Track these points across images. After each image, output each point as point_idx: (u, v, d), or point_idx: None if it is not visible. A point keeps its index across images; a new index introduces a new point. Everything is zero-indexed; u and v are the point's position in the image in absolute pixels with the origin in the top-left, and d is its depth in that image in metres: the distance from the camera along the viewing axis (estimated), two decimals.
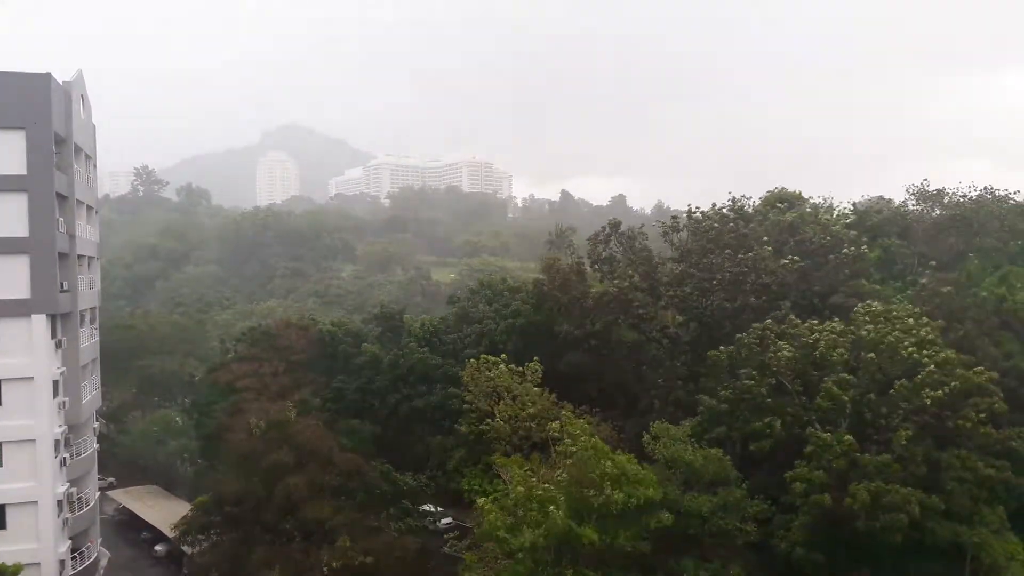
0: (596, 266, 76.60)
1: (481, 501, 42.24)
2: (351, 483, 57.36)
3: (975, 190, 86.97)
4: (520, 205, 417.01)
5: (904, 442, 48.25)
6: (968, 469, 47.94)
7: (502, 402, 56.91)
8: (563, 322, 69.58)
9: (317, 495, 54.34)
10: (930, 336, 53.68)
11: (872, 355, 52.93)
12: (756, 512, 48.37)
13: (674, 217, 77.81)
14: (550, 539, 38.37)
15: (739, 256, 66.62)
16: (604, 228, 78.75)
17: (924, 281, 65.86)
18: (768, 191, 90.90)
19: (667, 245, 78.68)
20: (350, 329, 76.23)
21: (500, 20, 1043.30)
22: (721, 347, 60.26)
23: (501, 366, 59.50)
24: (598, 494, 38.82)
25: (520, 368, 59.33)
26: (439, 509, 67.02)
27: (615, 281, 71.27)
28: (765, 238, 70.90)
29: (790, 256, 67.94)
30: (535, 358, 60.73)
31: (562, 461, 44.82)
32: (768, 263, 66.53)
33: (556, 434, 45.12)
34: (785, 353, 54.80)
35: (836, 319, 58.17)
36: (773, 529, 49.24)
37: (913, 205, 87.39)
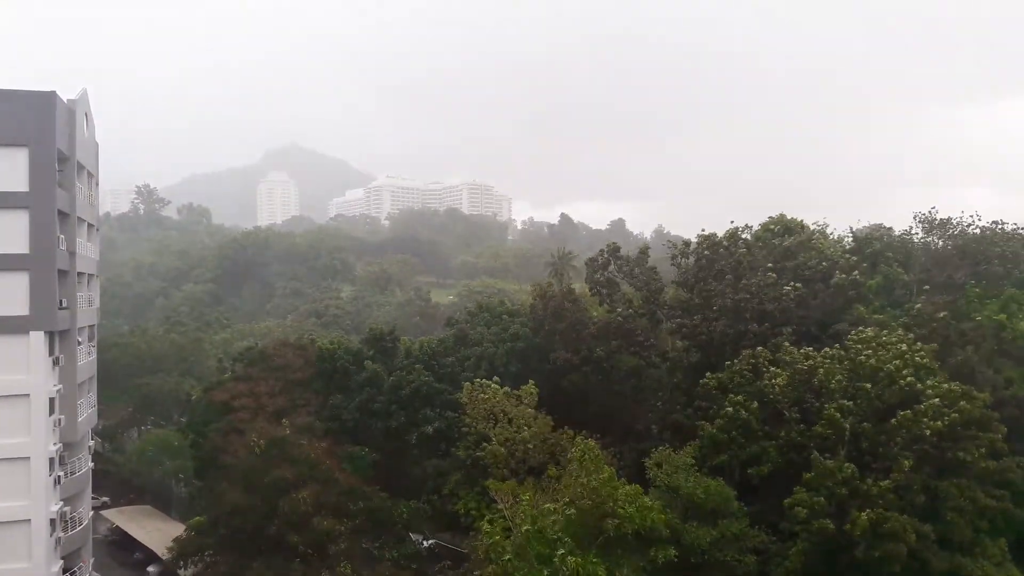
0: (595, 290, 76.47)
1: (484, 527, 41.74)
2: (351, 502, 57.25)
3: (979, 219, 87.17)
4: (520, 228, 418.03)
5: (905, 471, 48.01)
6: (967, 499, 47.68)
7: (498, 425, 56.70)
8: (559, 349, 69.43)
9: (321, 511, 54.32)
10: (926, 362, 53.60)
11: (868, 385, 52.82)
12: (756, 543, 48.03)
13: (686, 243, 76.97)
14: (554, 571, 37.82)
15: (741, 283, 66.62)
16: (602, 252, 78.66)
17: (919, 306, 65.79)
18: (769, 217, 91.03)
19: (672, 269, 78.44)
20: (349, 348, 75.91)
21: (502, 41, 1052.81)
22: (708, 374, 60.15)
23: (495, 388, 59.35)
24: (611, 521, 38.25)
25: (516, 391, 59.17)
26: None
27: (616, 308, 71.17)
28: (770, 264, 70.85)
29: (791, 283, 67.91)
30: (532, 381, 60.63)
31: (564, 487, 44.32)
32: (770, 290, 66.57)
33: (570, 460, 44.52)
34: (779, 380, 54.67)
35: (837, 346, 58.08)
36: (770, 556, 48.89)
37: (919, 234, 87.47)
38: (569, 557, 36.65)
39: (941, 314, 62.87)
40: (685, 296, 70.25)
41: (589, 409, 66.04)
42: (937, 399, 49.35)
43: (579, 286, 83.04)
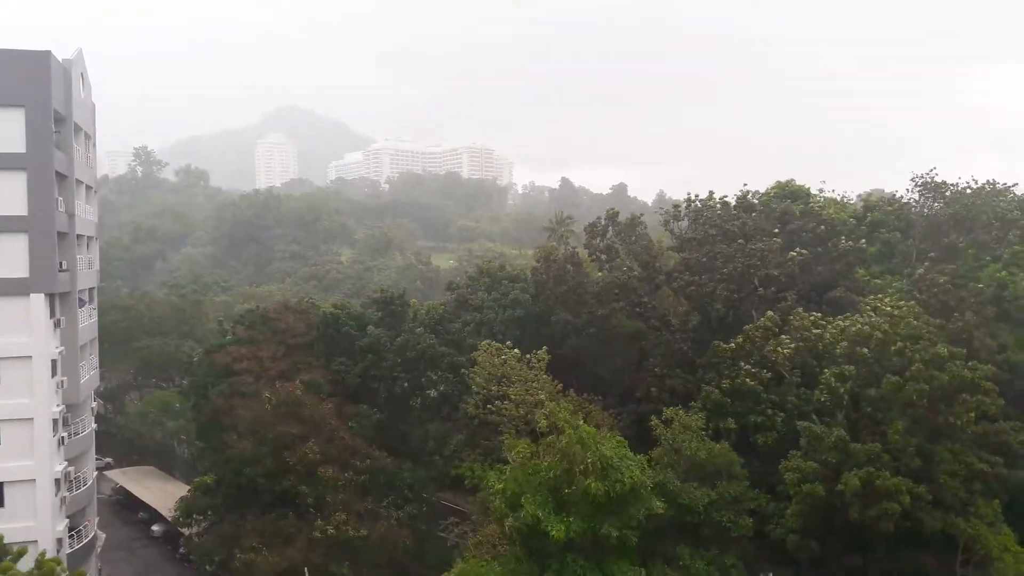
0: (594, 256, 76.64)
1: (491, 480, 42.15)
2: (356, 459, 58.11)
3: (975, 183, 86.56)
4: (520, 192, 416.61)
5: (897, 434, 48.42)
6: (961, 463, 48.11)
7: (513, 387, 56.87)
8: (560, 311, 69.60)
9: (328, 463, 55.73)
10: (918, 326, 53.71)
11: (865, 350, 53.09)
12: (754, 505, 48.57)
13: (676, 205, 77.87)
14: (522, 530, 38.36)
15: (749, 247, 66.67)
16: (601, 219, 78.77)
17: (921, 272, 65.67)
18: (776, 182, 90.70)
19: (667, 234, 78.68)
20: (352, 312, 75.99)
21: (505, 3, 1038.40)
22: (719, 342, 60.36)
23: (510, 353, 59.69)
24: (574, 489, 38.39)
25: (528, 356, 59.51)
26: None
27: (616, 272, 71.32)
28: (776, 230, 70.89)
29: (798, 249, 68.03)
30: (544, 348, 60.75)
31: (550, 451, 44.72)
32: (775, 255, 66.70)
33: (544, 425, 44.97)
34: (786, 348, 54.94)
35: (838, 314, 58.27)
36: (768, 516, 49.55)
37: (915, 198, 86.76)
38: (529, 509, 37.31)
39: (943, 280, 62.84)
40: (689, 257, 70.17)
41: (589, 373, 66.40)
42: (922, 363, 49.51)
43: (580, 250, 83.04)
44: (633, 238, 75.02)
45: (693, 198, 77.91)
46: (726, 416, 54.89)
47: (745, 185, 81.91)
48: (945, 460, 48.28)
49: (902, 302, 58.52)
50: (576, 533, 37.68)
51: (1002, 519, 48.77)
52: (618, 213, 79.72)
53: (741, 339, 58.56)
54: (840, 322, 56.68)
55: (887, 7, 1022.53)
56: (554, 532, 36.85)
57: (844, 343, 54.07)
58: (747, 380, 55.08)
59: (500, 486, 39.83)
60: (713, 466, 47.93)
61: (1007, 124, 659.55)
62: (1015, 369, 58.48)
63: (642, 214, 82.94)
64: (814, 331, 55.83)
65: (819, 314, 58.94)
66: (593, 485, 37.45)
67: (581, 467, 38.23)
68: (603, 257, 75.13)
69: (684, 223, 75.95)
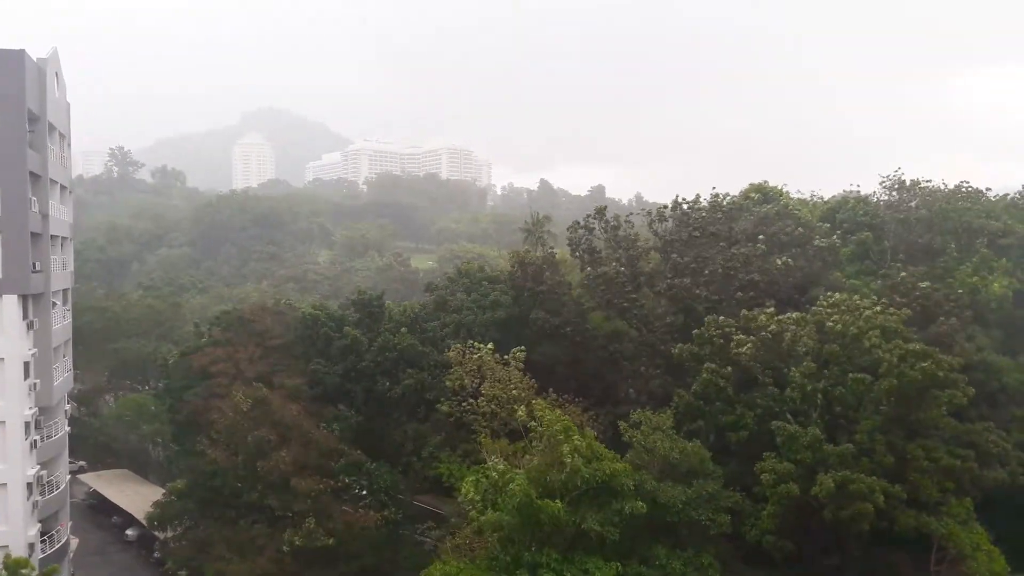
0: (577, 253, 76.79)
1: (465, 483, 42.38)
2: (332, 461, 57.68)
3: (945, 186, 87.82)
4: (499, 193, 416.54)
5: (867, 433, 48.91)
6: (932, 460, 48.74)
7: (487, 382, 56.91)
8: (539, 310, 69.66)
9: (301, 472, 54.74)
10: (891, 325, 54.30)
11: (836, 347, 53.58)
12: (730, 504, 48.90)
13: (663, 207, 78.00)
14: (515, 515, 38.68)
15: (732, 251, 67.09)
16: (589, 217, 78.94)
17: (903, 275, 66.29)
18: (749, 184, 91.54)
19: (651, 235, 79.00)
20: (331, 313, 75.65)
21: (485, 5, 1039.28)
22: (680, 344, 60.65)
23: (484, 349, 59.66)
24: (561, 470, 39.22)
25: (504, 356, 59.49)
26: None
27: (598, 269, 71.60)
28: (762, 237, 71.44)
29: (784, 259, 68.55)
30: (521, 347, 60.74)
31: (534, 445, 45.12)
32: (758, 260, 67.19)
33: (523, 420, 45.37)
34: (746, 349, 55.17)
35: (808, 307, 58.75)
36: (744, 517, 49.90)
37: (885, 198, 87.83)
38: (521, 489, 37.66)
39: (924, 284, 63.41)
40: (673, 258, 70.50)
41: (567, 375, 66.52)
42: (895, 359, 49.99)
43: (558, 251, 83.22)
44: (618, 237, 75.30)
45: (680, 200, 78.05)
46: (696, 418, 55.20)
47: (714, 188, 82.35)
48: (918, 458, 48.93)
49: (874, 299, 59.06)
50: (563, 521, 38.24)
51: (974, 517, 49.56)
52: (606, 208, 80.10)
53: (698, 341, 58.70)
54: (797, 315, 57.12)
55: (864, 10, 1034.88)
56: (549, 509, 37.37)
57: (807, 340, 54.42)
58: (711, 379, 55.20)
59: (479, 498, 40.25)
60: (687, 465, 48.23)
61: (985, 127, 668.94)
62: (989, 369, 59.46)
63: (630, 213, 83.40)
64: (770, 328, 56.05)
65: (772, 309, 59.17)
66: (580, 465, 38.08)
67: (568, 451, 38.85)
68: (586, 257, 75.31)
69: (669, 224, 76.15)
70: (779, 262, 68.08)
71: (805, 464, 48.62)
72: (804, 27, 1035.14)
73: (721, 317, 59.37)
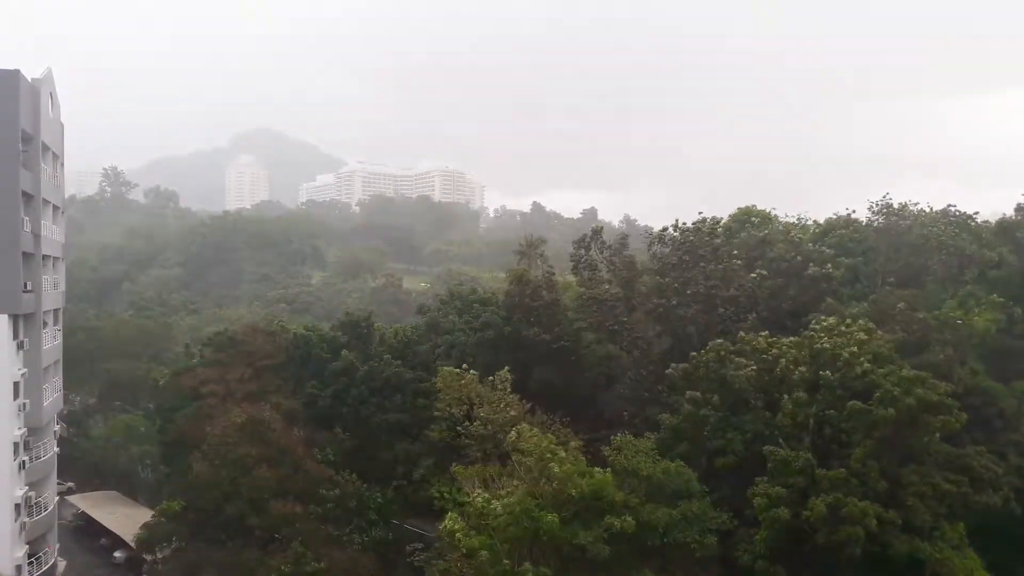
0: (577, 271, 77.37)
1: (448, 518, 42.43)
2: (323, 488, 57.22)
3: (931, 208, 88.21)
4: (492, 216, 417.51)
5: (860, 459, 48.89)
6: (927, 484, 48.72)
7: (476, 407, 56.82)
8: (533, 329, 69.71)
9: (284, 495, 54.16)
10: (884, 351, 54.48)
11: (829, 372, 53.70)
12: (718, 525, 48.64)
13: (663, 229, 78.01)
14: (515, 526, 38.86)
15: (710, 268, 67.42)
16: (585, 236, 79.73)
17: (873, 297, 66.68)
18: (738, 208, 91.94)
19: (648, 257, 79.34)
20: (324, 335, 75.57)
21: (475, 28, 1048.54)
22: (673, 365, 60.69)
23: (470, 375, 59.60)
24: (550, 482, 39.61)
25: (490, 379, 59.41)
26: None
27: (596, 287, 71.98)
28: (736, 252, 71.82)
29: (758, 271, 68.92)
30: (506, 368, 60.81)
31: (520, 465, 45.15)
32: (738, 276, 67.48)
33: (513, 442, 45.50)
34: (748, 371, 55.31)
35: (802, 331, 58.88)
36: (736, 542, 49.67)
37: (875, 222, 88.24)
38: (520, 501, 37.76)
39: (900, 305, 63.90)
40: (663, 281, 70.84)
41: (560, 398, 66.46)
42: (893, 386, 50.13)
43: (559, 276, 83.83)
44: (616, 258, 75.77)
45: (680, 224, 78.15)
46: (684, 442, 55.09)
47: (700, 213, 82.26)
48: (913, 483, 48.90)
49: (863, 322, 59.25)
50: (559, 536, 38.35)
51: (967, 543, 49.41)
52: (602, 228, 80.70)
53: (692, 365, 58.78)
54: (791, 340, 57.28)
55: (850, 22, 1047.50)
56: (548, 522, 38.04)
57: (802, 367, 54.55)
58: (699, 407, 55.13)
59: (454, 523, 40.41)
60: (672, 487, 48.00)
61: (970, 153, 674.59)
62: (986, 395, 59.66)
63: (627, 236, 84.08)
64: (769, 351, 56.17)
65: (766, 332, 59.34)
66: (573, 474, 38.32)
67: (556, 466, 39.16)
68: (585, 274, 75.70)
69: (668, 248, 76.38)
70: (752, 276, 68.42)
71: (797, 488, 48.53)
72: (786, 47, 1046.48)
73: (719, 340, 59.52)
